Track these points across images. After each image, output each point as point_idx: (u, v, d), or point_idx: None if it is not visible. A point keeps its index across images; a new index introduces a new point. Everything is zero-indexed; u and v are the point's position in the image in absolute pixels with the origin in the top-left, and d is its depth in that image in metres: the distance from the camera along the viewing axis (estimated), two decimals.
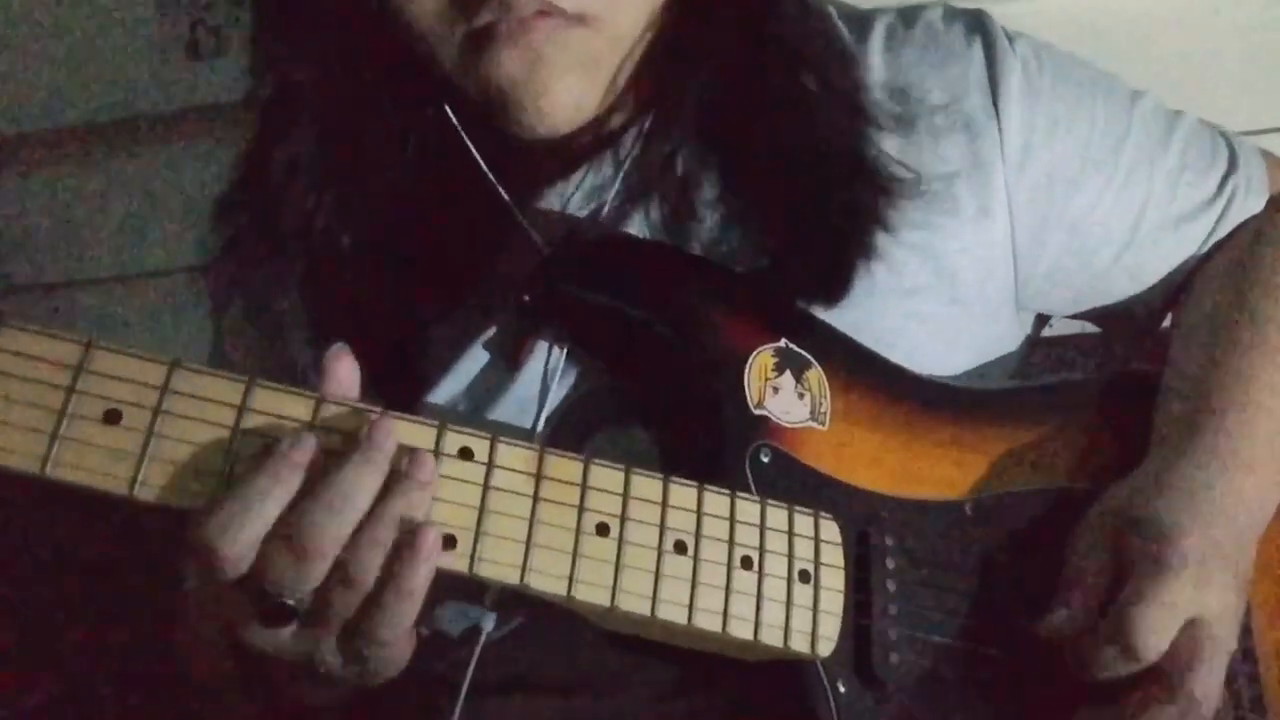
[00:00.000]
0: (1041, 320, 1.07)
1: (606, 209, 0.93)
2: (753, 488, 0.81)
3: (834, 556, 0.81)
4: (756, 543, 0.79)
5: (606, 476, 0.77)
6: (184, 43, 1.93)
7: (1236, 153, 1.03)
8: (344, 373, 0.74)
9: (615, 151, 0.94)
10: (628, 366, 0.88)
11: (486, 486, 0.73)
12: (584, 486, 0.76)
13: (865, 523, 0.84)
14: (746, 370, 0.85)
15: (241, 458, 0.69)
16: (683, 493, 0.78)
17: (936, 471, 0.89)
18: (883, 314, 0.92)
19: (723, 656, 0.80)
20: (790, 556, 0.80)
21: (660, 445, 0.86)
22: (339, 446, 0.71)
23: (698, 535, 0.77)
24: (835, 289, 0.90)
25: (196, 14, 1.93)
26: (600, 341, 0.88)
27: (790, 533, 0.80)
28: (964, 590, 0.86)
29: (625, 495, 0.76)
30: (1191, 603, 0.79)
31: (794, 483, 0.83)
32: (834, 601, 0.81)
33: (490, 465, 0.74)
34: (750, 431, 0.83)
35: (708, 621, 0.76)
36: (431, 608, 0.76)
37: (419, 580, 0.70)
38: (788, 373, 0.86)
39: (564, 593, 0.74)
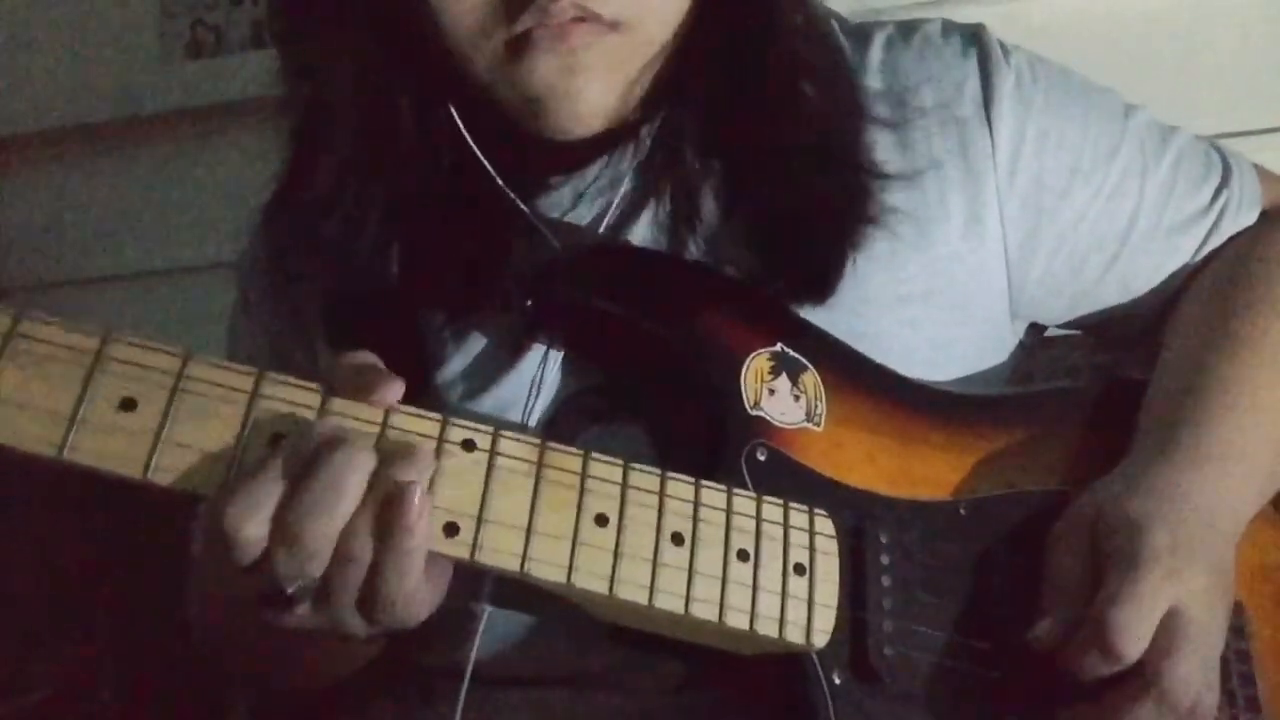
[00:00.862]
0: (1036, 329, 1.08)
1: (614, 208, 0.95)
2: (749, 486, 0.82)
3: (829, 550, 0.82)
4: (753, 535, 0.80)
5: (605, 469, 0.78)
6: (184, 43, 1.93)
7: (1230, 167, 1.04)
8: (384, 388, 0.74)
9: (625, 150, 0.95)
10: (624, 368, 0.90)
11: (488, 476, 0.75)
12: (583, 478, 0.77)
13: (860, 520, 0.85)
14: (743, 373, 0.86)
15: (252, 445, 0.71)
16: (680, 486, 0.79)
17: (930, 473, 0.90)
18: (876, 321, 0.93)
19: (721, 650, 0.81)
20: (786, 549, 0.81)
21: (657, 445, 0.87)
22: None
23: (695, 527, 0.79)
24: (822, 288, 0.92)
25: (196, 14, 1.93)
26: (599, 346, 0.90)
27: (786, 526, 0.81)
28: (957, 588, 0.87)
29: (624, 487, 0.78)
30: (1165, 595, 0.80)
31: (789, 482, 0.84)
32: (829, 594, 0.82)
33: (492, 455, 0.75)
34: (746, 432, 0.85)
35: (704, 611, 0.77)
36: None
37: (416, 541, 0.70)
38: (783, 375, 0.87)
39: (563, 580, 0.75)
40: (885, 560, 0.84)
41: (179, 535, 0.98)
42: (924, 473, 0.90)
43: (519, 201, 0.94)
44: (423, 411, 0.75)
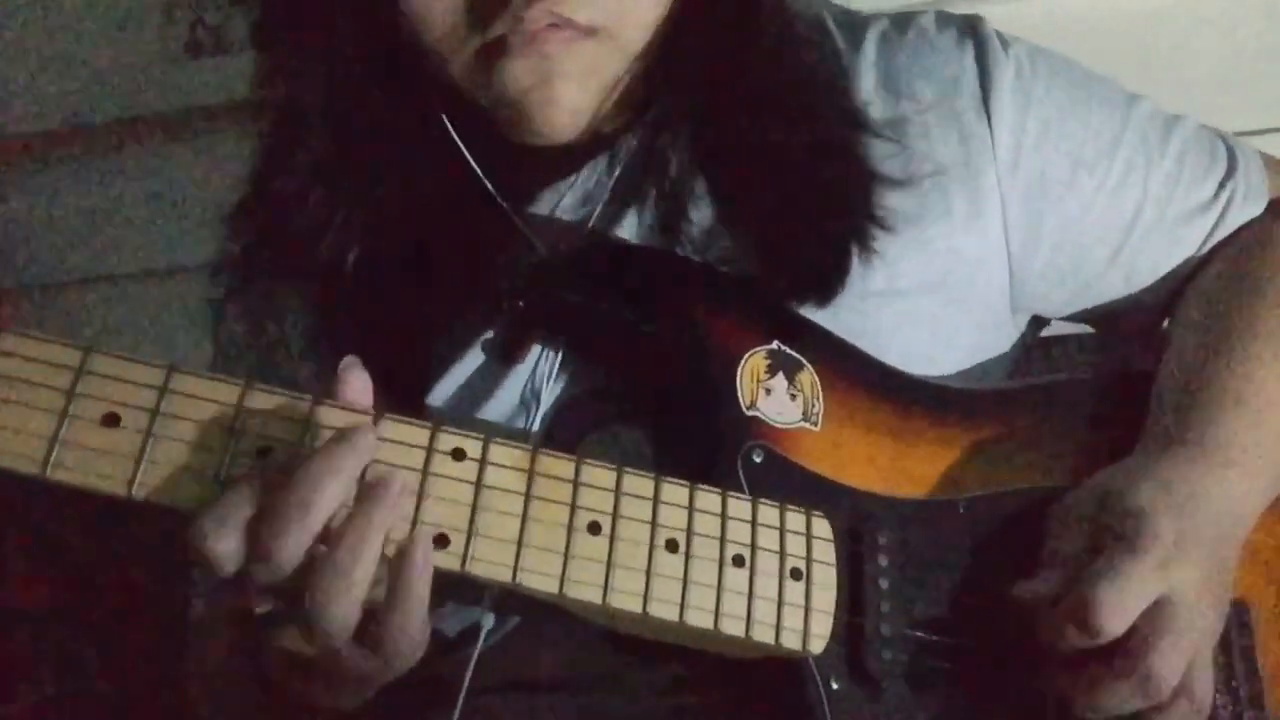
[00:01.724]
0: (1038, 322, 1.07)
1: (599, 212, 0.94)
2: (745, 488, 0.82)
3: (826, 554, 0.82)
4: (748, 540, 0.80)
5: (599, 475, 0.77)
6: (184, 43, 1.93)
7: (1236, 157, 1.03)
8: (357, 384, 0.75)
9: (609, 155, 0.95)
10: (620, 370, 0.89)
11: (479, 486, 0.74)
12: (576, 484, 0.76)
13: (858, 521, 0.84)
14: (739, 372, 0.85)
15: (238, 459, 0.70)
16: (674, 491, 0.79)
17: (929, 471, 0.89)
18: (876, 315, 0.93)
19: (718, 655, 0.81)
20: (782, 554, 0.80)
21: (653, 447, 0.87)
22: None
23: (689, 533, 0.78)
24: (827, 289, 0.91)
25: (196, 14, 1.93)
26: (593, 345, 0.89)
27: (782, 530, 0.81)
28: (956, 588, 0.86)
29: (617, 493, 0.77)
30: (1158, 582, 0.79)
31: (786, 482, 0.83)
32: (826, 599, 0.81)
33: (483, 464, 0.75)
34: (743, 432, 0.84)
35: (700, 619, 0.77)
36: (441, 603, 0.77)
37: (416, 589, 0.71)
38: (780, 374, 0.87)
39: (556, 591, 0.74)
40: (884, 562, 0.84)
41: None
42: (923, 471, 0.89)
43: (500, 199, 0.94)
44: (412, 420, 0.75)
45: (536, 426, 0.90)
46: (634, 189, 0.94)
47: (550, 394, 0.90)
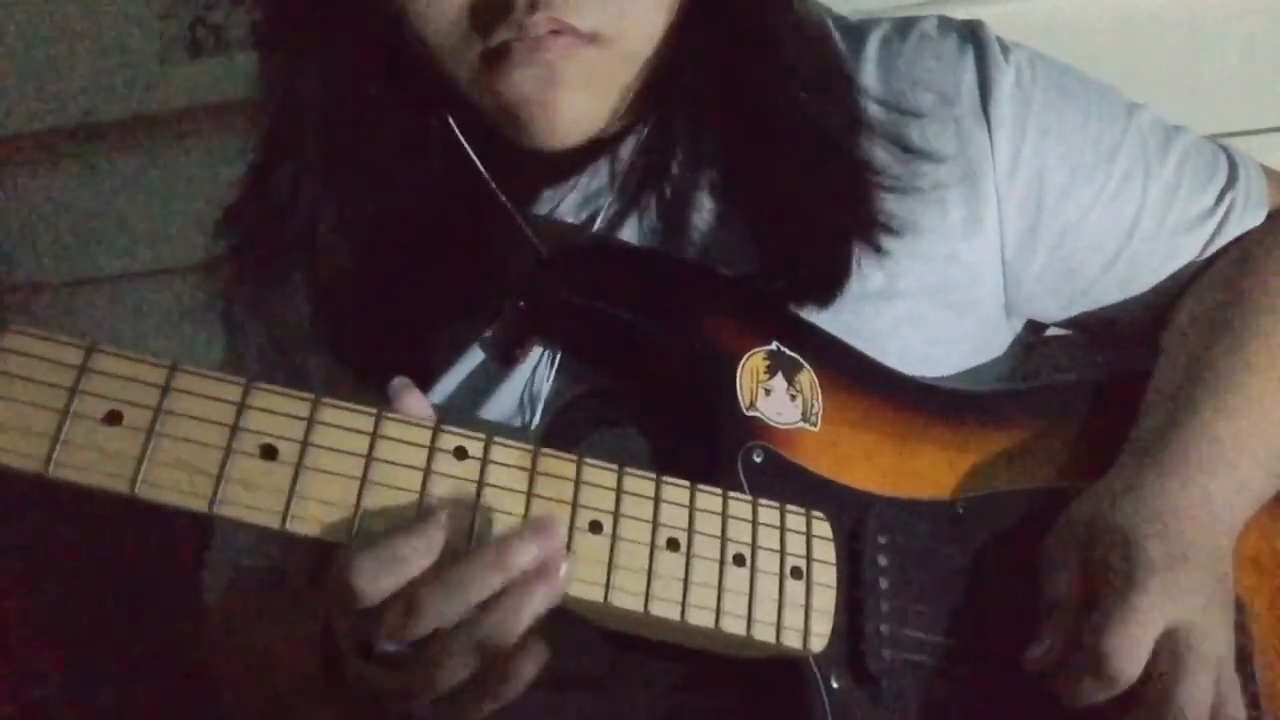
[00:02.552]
0: (1036, 325, 1.07)
1: (602, 214, 0.95)
2: (745, 488, 0.82)
3: (826, 553, 0.82)
4: (749, 540, 0.80)
5: (600, 475, 0.77)
6: (184, 42, 1.93)
7: (1237, 167, 1.03)
8: (413, 405, 0.76)
9: (611, 158, 0.95)
10: (621, 370, 0.89)
11: (481, 485, 0.74)
12: (577, 484, 0.77)
13: (857, 521, 0.84)
14: (738, 372, 0.86)
15: (240, 457, 0.70)
16: (675, 491, 0.79)
17: (928, 471, 0.89)
18: (874, 317, 0.93)
19: (719, 654, 0.81)
20: (782, 553, 0.81)
21: (653, 447, 0.87)
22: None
23: (690, 532, 0.78)
24: (829, 292, 0.91)
25: (196, 14, 1.93)
26: (593, 346, 0.89)
27: (783, 529, 0.81)
28: (956, 588, 0.86)
29: (618, 492, 0.77)
30: (1163, 613, 0.78)
31: (786, 483, 0.83)
32: (826, 598, 0.81)
33: (485, 463, 0.75)
34: (742, 433, 0.84)
35: (700, 618, 0.77)
36: None
37: (522, 678, 0.72)
38: (779, 375, 0.87)
39: None
40: (883, 562, 0.84)
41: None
42: (922, 471, 0.89)
43: (505, 200, 0.94)
44: (415, 419, 0.75)
45: (537, 426, 0.90)
46: (635, 190, 0.94)
47: (550, 394, 0.91)
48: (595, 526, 0.76)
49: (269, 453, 0.71)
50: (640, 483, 0.78)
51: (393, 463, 0.73)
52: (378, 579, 0.70)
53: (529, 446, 0.77)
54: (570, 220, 0.95)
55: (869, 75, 0.98)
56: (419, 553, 0.71)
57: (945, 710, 0.84)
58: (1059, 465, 0.93)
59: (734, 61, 0.92)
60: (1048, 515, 0.88)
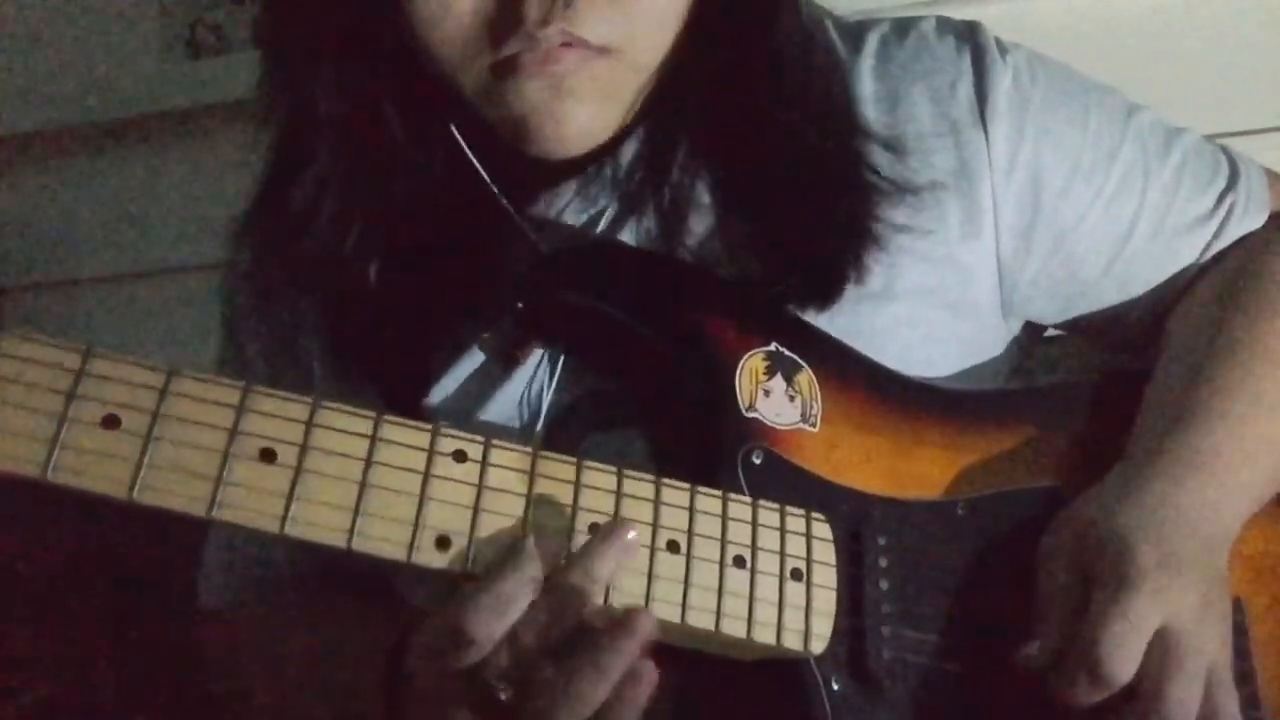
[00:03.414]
0: (1035, 326, 1.07)
1: (600, 215, 0.95)
2: (745, 489, 0.82)
3: (826, 555, 0.82)
4: (749, 541, 0.80)
5: (599, 477, 0.77)
6: (184, 42, 1.93)
7: (1238, 169, 1.03)
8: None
9: (611, 159, 0.95)
10: (620, 372, 0.89)
11: (480, 488, 0.74)
12: (577, 486, 0.77)
13: (857, 522, 0.84)
14: (737, 374, 0.86)
15: (239, 461, 0.70)
16: (675, 493, 0.79)
17: (927, 472, 0.89)
18: (872, 318, 0.93)
19: (719, 655, 0.81)
20: (783, 555, 0.80)
21: (653, 449, 0.87)
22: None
23: (690, 534, 0.78)
24: (828, 294, 0.91)
25: (196, 14, 1.93)
26: (593, 347, 0.89)
27: (783, 531, 0.81)
28: (956, 589, 0.86)
29: (618, 495, 0.77)
30: (1155, 614, 0.78)
31: (786, 484, 0.83)
32: (827, 600, 0.81)
33: (484, 466, 0.75)
34: (742, 434, 0.84)
35: (701, 620, 0.77)
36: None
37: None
38: (778, 376, 0.87)
39: None
40: (883, 563, 0.84)
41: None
42: (921, 472, 0.89)
43: (506, 202, 0.94)
44: (414, 422, 0.75)
45: (537, 428, 0.90)
46: (635, 193, 0.94)
47: (550, 396, 0.90)
48: (595, 530, 0.76)
49: (268, 456, 0.71)
50: (640, 485, 0.78)
51: (392, 466, 0.73)
52: (490, 624, 0.70)
53: (528, 449, 0.77)
54: (570, 222, 0.95)
55: (866, 77, 0.98)
56: (525, 589, 0.71)
57: (945, 710, 0.84)
58: (1058, 466, 0.93)
59: (738, 70, 0.92)
60: (1047, 516, 0.88)
